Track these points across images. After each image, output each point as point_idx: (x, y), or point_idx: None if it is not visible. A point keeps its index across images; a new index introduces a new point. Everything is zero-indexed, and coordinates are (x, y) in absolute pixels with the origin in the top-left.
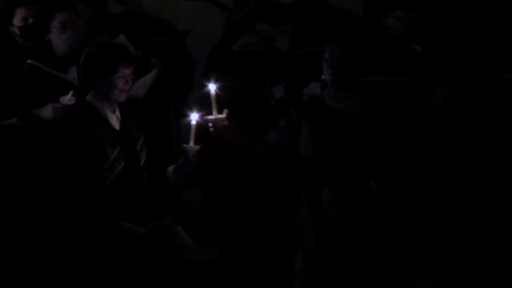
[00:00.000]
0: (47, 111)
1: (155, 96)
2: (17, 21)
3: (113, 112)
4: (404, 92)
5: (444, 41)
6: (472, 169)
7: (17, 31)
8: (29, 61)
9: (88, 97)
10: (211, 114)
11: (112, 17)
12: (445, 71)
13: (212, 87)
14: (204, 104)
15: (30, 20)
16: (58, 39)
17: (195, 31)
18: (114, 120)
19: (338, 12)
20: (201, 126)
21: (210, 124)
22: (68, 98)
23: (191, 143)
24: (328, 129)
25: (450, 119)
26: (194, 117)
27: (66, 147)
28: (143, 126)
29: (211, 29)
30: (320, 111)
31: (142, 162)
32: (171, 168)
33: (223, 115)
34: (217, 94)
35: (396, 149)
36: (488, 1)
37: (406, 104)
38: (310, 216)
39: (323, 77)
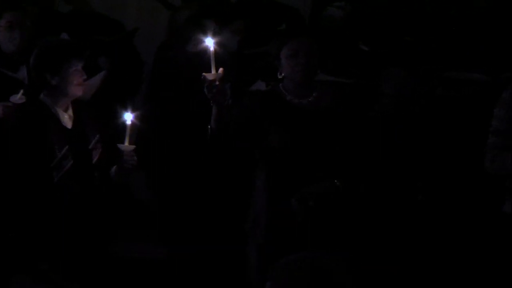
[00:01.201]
0: None
1: (103, 95)
2: None
3: (66, 111)
4: (356, 91)
5: (389, 39)
6: (419, 165)
7: None
8: None
9: (41, 96)
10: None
11: (60, 16)
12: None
13: (209, 42)
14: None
15: None
16: (5, 38)
17: (142, 29)
18: (66, 119)
19: (286, 10)
20: (137, 125)
21: (206, 84)
22: (18, 97)
23: (126, 143)
24: (290, 125)
25: (396, 116)
26: (128, 117)
27: (14, 146)
28: (99, 125)
29: (158, 27)
30: (281, 107)
31: (94, 160)
32: (113, 168)
33: (219, 73)
34: (215, 51)
35: (354, 146)
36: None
37: (358, 103)
38: (266, 207)
39: (281, 74)
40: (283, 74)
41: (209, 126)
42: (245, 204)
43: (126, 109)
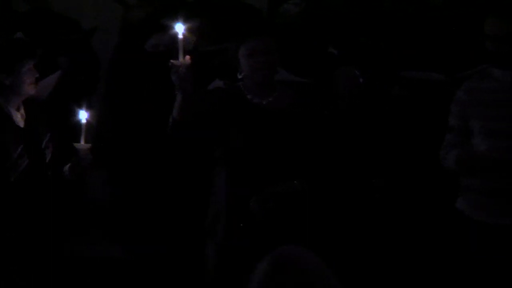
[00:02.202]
0: None
1: (61, 94)
2: None
3: (18, 110)
4: (315, 90)
5: (345, 38)
6: (375, 163)
7: None
8: None
9: None
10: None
11: (16, 15)
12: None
13: (179, 29)
14: (107, 102)
15: None
16: None
17: (100, 29)
18: (19, 118)
19: (243, 8)
20: (92, 124)
21: (173, 70)
22: None
23: (82, 142)
24: (249, 125)
25: (349, 115)
26: (83, 116)
27: None
28: (50, 124)
29: (116, 27)
30: (241, 106)
31: (47, 159)
32: (66, 167)
33: (187, 60)
34: (184, 38)
35: (315, 145)
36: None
37: (317, 102)
38: (225, 206)
39: (241, 74)
40: (242, 74)
41: (171, 116)
42: (204, 202)
43: (81, 108)
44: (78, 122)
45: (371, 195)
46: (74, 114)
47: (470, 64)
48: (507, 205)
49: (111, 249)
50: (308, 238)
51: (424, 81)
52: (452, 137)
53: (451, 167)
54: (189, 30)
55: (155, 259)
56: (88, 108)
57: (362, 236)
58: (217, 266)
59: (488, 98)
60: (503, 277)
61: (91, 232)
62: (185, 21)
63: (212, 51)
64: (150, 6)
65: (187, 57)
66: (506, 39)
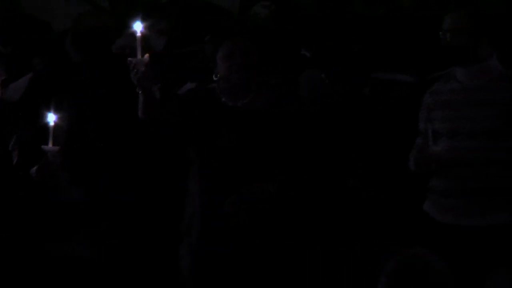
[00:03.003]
0: None
1: (32, 96)
2: None
3: None
4: (289, 92)
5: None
6: (348, 164)
7: None
8: None
9: None
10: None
11: None
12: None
13: (137, 27)
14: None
15: None
16: None
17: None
18: None
19: (214, 10)
20: (60, 127)
21: (131, 67)
22: None
23: (50, 144)
24: (224, 127)
25: (318, 116)
26: (51, 118)
27: None
28: (17, 126)
29: None
30: (216, 108)
31: (15, 161)
32: (33, 169)
33: (145, 58)
34: (143, 37)
35: (289, 147)
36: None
37: (291, 103)
38: (200, 208)
39: (217, 76)
40: (218, 76)
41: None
42: (180, 204)
43: (50, 110)
44: (47, 124)
45: (347, 196)
46: (44, 116)
47: (440, 65)
48: (470, 206)
49: (82, 249)
50: (282, 239)
51: (394, 83)
52: (420, 140)
53: (412, 168)
54: (158, 31)
55: (128, 260)
56: (57, 110)
57: (335, 237)
58: (191, 267)
59: (450, 99)
60: (466, 279)
61: (62, 232)
62: (156, 22)
63: (186, 53)
64: (121, 8)
65: (146, 55)
66: (462, 32)
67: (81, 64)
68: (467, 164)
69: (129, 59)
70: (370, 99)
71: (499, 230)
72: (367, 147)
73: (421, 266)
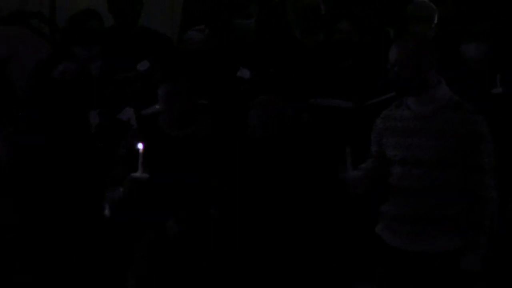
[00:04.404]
0: None
1: None
2: None
3: None
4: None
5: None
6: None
7: None
8: None
9: None
10: None
11: None
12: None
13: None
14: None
15: None
16: None
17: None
18: None
19: (154, 36)
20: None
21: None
22: None
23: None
24: (168, 157)
25: (264, 141)
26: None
27: None
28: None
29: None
30: (159, 138)
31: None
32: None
33: (145, 176)
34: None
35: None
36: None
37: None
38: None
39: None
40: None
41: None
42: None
43: None
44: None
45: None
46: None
47: (379, 91)
48: (419, 232)
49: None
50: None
51: (332, 108)
52: (368, 163)
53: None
54: (94, 55)
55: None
56: None
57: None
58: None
59: (401, 126)
60: None
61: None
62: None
63: (126, 78)
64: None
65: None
66: (403, 65)
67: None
68: (417, 192)
69: (132, 175)
70: (308, 124)
71: (446, 257)
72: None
73: None
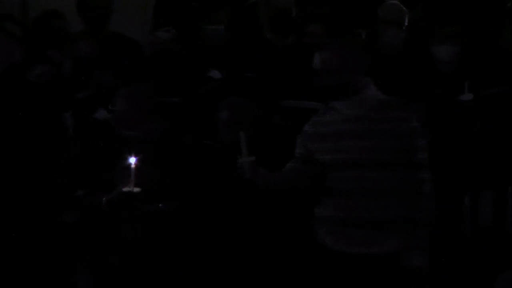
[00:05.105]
0: None
1: None
2: None
3: None
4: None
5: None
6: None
7: None
8: None
9: None
10: None
11: None
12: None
13: (132, 160)
14: None
15: None
16: None
17: None
18: None
19: (122, 40)
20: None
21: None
22: None
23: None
24: (122, 158)
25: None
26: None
27: None
28: None
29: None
30: (113, 138)
31: None
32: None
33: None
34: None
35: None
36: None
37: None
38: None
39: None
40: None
41: None
42: None
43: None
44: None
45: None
46: None
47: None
48: (360, 235)
49: None
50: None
51: (303, 110)
52: (290, 164)
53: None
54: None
55: None
56: None
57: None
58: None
59: (332, 131)
60: None
61: None
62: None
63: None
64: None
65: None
66: (327, 71)
67: None
68: (357, 194)
69: (124, 189)
70: (280, 126)
71: (391, 258)
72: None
73: None
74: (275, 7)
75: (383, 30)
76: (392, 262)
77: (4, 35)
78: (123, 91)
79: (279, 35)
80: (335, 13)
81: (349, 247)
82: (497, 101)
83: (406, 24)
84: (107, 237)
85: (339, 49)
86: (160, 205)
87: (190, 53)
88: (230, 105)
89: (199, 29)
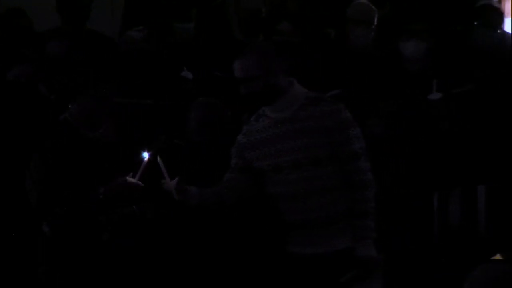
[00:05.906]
0: None
1: None
2: None
3: None
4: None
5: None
6: None
7: None
8: None
9: None
10: None
11: None
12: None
13: (145, 155)
14: None
15: None
16: None
17: None
18: None
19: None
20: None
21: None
22: None
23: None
24: (85, 159)
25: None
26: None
27: None
28: None
29: None
30: (75, 140)
31: None
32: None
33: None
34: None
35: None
36: None
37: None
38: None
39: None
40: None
41: None
42: None
43: None
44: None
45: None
46: None
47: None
48: (310, 235)
49: None
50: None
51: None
52: (228, 175)
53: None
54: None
55: None
56: None
57: None
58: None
59: (265, 136)
60: None
61: None
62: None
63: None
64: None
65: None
66: (248, 79)
67: None
68: (296, 196)
69: (128, 180)
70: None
71: (339, 256)
72: None
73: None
74: (245, 7)
75: (352, 29)
76: (348, 259)
77: None
78: (87, 89)
79: (249, 35)
80: (304, 12)
81: (302, 248)
82: (466, 100)
83: (375, 23)
84: (86, 239)
85: (255, 54)
86: (134, 207)
87: (161, 52)
88: (200, 105)
89: (169, 27)
